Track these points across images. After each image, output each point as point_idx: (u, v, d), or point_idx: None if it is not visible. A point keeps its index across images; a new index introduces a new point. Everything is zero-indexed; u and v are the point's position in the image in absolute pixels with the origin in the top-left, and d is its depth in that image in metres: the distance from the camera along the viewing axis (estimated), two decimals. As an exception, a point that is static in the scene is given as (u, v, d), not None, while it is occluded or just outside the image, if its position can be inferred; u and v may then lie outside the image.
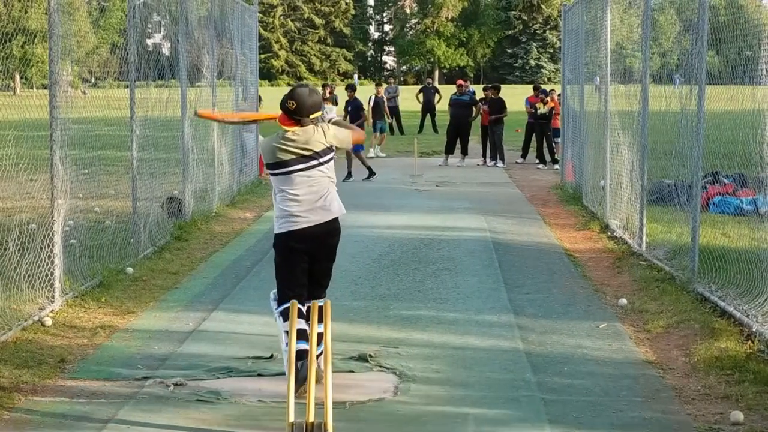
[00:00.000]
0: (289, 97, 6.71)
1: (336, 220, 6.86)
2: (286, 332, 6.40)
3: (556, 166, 23.15)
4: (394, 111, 34.58)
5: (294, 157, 6.69)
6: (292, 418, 5.49)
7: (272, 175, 6.79)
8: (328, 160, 6.82)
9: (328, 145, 6.77)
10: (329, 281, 7.11)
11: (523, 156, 25.60)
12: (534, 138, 25.01)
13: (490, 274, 10.77)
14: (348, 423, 6.03)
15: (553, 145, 24.52)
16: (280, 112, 6.81)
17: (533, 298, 9.60)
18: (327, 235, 6.84)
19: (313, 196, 6.74)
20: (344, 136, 6.96)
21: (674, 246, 10.73)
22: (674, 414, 6.26)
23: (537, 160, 24.31)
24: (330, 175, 6.85)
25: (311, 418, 5.49)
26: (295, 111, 6.67)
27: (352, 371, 7.16)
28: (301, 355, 6.35)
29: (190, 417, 6.17)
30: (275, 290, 6.92)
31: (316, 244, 6.79)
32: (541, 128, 24.08)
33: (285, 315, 6.54)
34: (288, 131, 6.71)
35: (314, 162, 6.74)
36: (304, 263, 6.81)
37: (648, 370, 7.21)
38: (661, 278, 10.11)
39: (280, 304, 6.78)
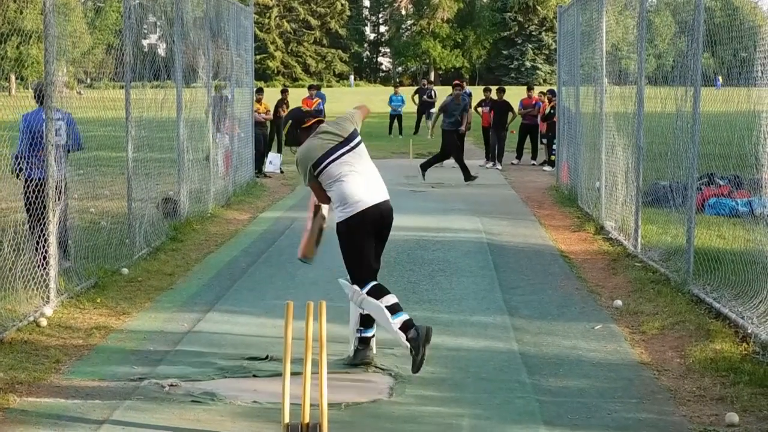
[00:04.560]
0: (299, 109, 7.61)
1: (389, 200, 7.27)
2: (387, 307, 6.88)
3: (548, 168, 23.24)
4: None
5: (336, 143, 7.14)
6: (287, 419, 5.50)
7: (323, 169, 7.08)
8: (360, 143, 7.28)
9: (355, 127, 7.32)
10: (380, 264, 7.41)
11: (518, 157, 25.61)
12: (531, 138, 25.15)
13: (485, 275, 10.77)
14: (343, 424, 6.03)
15: (540, 146, 24.59)
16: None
17: (528, 300, 9.60)
18: (389, 212, 7.24)
19: (367, 177, 7.16)
20: (357, 115, 7.58)
21: (669, 247, 10.74)
22: (669, 415, 6.26)
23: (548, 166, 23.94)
24: (368, 157, 7.33)
25: (307, 419, 5.49)
26: (309, 110, 7.50)
27: (348, 372, 7.17)
28: (408, 323, 6.87)
29: (185, 418, 6.17)
30: (347, 278, 7.22)
31: (381, 222, 7.17)
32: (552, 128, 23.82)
33: (374, 293, 6.98)
34: (319, 120, 7.35)
35: (351, 144, 7.18)
36: (372, 240, 7.16)
37: (643, 372, 7.22)
38: (656, 280, 10.12)
39: (364, 285, 7.03)
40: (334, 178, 7.07)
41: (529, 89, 26.03)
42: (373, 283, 7.06)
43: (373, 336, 7.42)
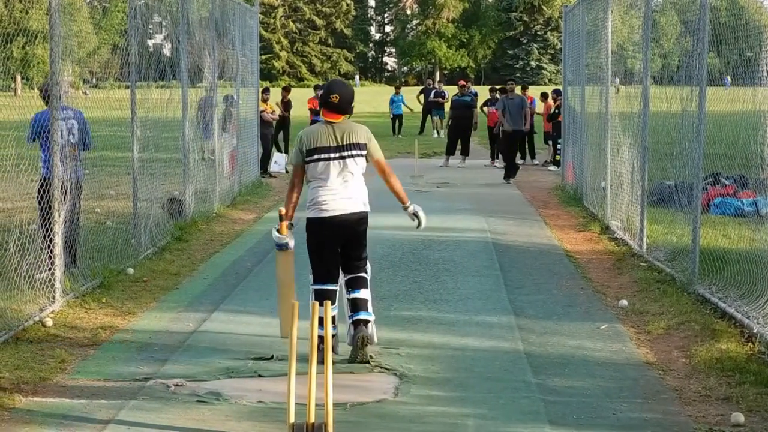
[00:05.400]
0: (330, 91, 7.33)
1: (362, 212, 7.42)
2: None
3: (553, 168, 23.33)
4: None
5: (335, 144, 7.28)
6: (292, 419, 5.49)
7: (308, 162, 7.29)
8: (361, 155, 7.38)
9: (364, 142, 7.39)
10: (363, 261, 7.59)
11: (522, 157, 25.63)
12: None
13: (490, 275, 10.77)
14: (349, 424, 6.03)
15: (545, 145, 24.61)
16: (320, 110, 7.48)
17: (533, 300, 9.60)
18: (353, 223, 7.35)
19: (344, 186, 7.30)
20: (380, 153, 7.58)
21: (675, 247, 10.73)
22: (674, 415, 6.26)
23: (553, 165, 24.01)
24: (361, 170, 7.42)
25: (312, 419, 5.49)
26: (339, 104, 7.32)
27: (353, 372, 7.17)
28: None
29: (190, 418, 6.17)
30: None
31: (342, 232, 7.35)
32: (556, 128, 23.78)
33: (316, 294, 7.26)
34: (333, 121, 7.33)
35: (351, 153, 7.30)
36: (333, 247, 7.40)
37: (648, 372, 7.21)
38: (661, 279, 10.11)
39: (314, 283, 7.45)
40: (315, 175, 7.31)
41: (524, 89, 26.04)
42: (319, 287, 7.36)
43: (368, 321, 7.41)
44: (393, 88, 38.40)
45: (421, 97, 35.99)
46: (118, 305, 9.21)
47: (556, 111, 23.19)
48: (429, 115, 35.51)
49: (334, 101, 7.28)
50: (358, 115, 44.38)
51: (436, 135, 33.29)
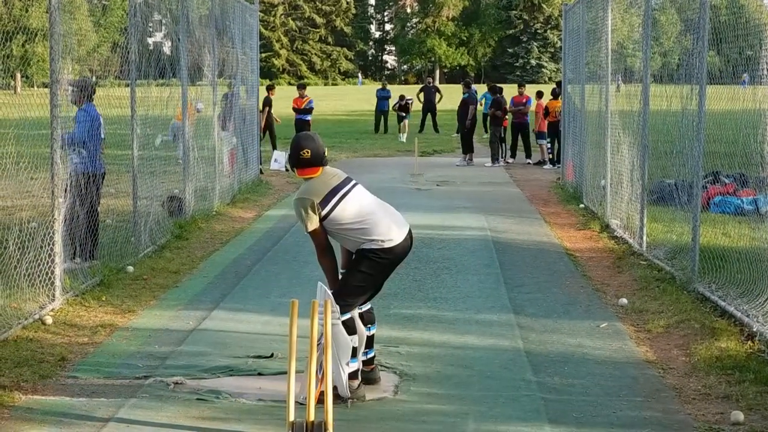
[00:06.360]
0: (299, 148, 6.53)
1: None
2: (354, 348, 6.46)
3: (547, 166, 23.42)
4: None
5: (340, 181, 6.61)
6: (292, 417, 5.49)
7: (331, 211, 6.50)
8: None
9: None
10: None
11: (513, 156, 25.67)
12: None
13: (490, 273, 10.77)
14: (348, 422, 6.03)
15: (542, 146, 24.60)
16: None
17: (533, 298, 9.60)
18: (411, 246, 6.78)
19: (387, 209, 6.76)
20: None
21: (675, 246, 10.73)
22: (674, 414, 6.26)
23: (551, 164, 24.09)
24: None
25: (312, 417, 5.48)
26: (314, 157, 6.54)
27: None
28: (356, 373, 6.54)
29: (190, 416, 6.17)
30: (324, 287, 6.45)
31: (403, 257, 6.70)
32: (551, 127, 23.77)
33: (348, 326, 6.45)
34: (316, 176, 6.60)
35: (354, 181, 6.72)
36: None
37: (648, 370, 7.21)
38: (661, 278, 10.11)
39: (345, 313, 6.44)
40: (353, 215, 6.52)
41: (520, 86, 26.05)
42: (352, 314, 6.53)
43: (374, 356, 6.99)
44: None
45: (421, 95, 35.98)
46: (117, 303, 9.21)
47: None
48: (429, 114, 35.51)
49: (306, 156, 6.50)
50: (357, 113, 44.33)
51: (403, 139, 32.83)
